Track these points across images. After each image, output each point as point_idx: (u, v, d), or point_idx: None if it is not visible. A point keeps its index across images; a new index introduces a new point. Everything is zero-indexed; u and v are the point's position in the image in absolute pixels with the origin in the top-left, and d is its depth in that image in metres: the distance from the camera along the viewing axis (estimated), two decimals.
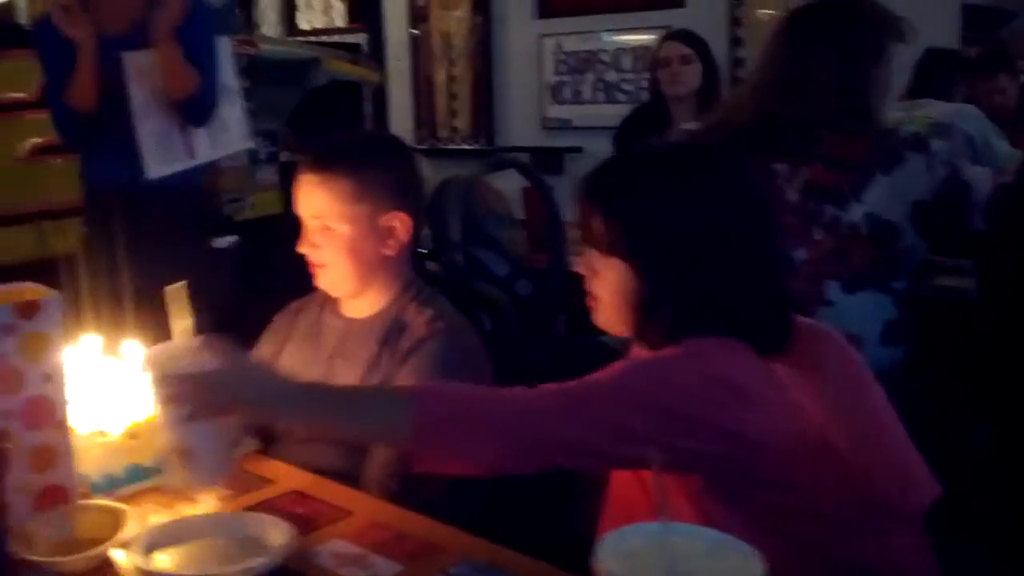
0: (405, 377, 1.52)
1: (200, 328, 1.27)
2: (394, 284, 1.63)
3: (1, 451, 1.05)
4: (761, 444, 1.10)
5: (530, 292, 2.94)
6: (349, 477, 1.43)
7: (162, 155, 2.59)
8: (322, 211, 1.57)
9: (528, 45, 5.41)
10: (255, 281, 2.93)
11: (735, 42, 4.66)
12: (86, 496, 1.26)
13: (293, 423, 1.35)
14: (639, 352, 1.26)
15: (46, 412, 1.21)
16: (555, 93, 5.36)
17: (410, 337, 1.56)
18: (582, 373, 1.14)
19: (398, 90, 5.74)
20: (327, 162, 1.58)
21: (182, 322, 1.17)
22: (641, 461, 0.96)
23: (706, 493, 1.12)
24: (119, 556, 1.09)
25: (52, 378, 1.21)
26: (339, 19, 6.55)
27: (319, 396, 1.22)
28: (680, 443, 1.07)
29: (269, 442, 1.54)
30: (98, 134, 2.56)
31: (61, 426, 1.23)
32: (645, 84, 3.87)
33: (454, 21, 5.68)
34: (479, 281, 2.70)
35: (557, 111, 5.36)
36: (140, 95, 2.53)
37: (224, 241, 2.83)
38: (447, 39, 5.73)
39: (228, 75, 2.80)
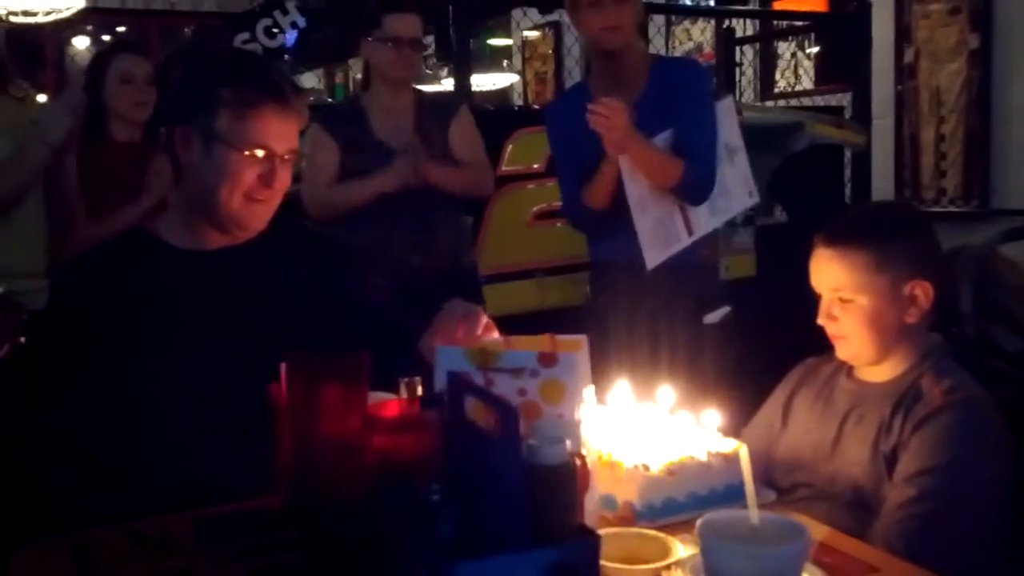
0: (915, 446, 1.52)
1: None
2: (914, 351, 1.64)
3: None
4: None
5: None
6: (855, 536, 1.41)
7: (660, 243, 2.51)
8: (840, 284, 1.62)
9: None
10: (743, 352, 2.72)
11: None
12: (629, 522, 1.35)
13: None
14: None
15: None
16: None
17: (925, 405, 1.55)
18: None
19: (880, 150, 5.51)
20: (843, 236, 1.63)
21: None
22: None
23: None
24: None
25: (563, 417, 1.35)
26: (807, 79, 6.41)
27: None
28: None
29: None
30: (604, 219, 2.55)
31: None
32: None
33: (946, 76, 5.34)
34: (988, 357, 2.48)
35: None
36: (636, 192, 2.46)
37: (716, 315, 2.60)
38: (937, 95, 5.41)
39: (731, 135, 2.72)
